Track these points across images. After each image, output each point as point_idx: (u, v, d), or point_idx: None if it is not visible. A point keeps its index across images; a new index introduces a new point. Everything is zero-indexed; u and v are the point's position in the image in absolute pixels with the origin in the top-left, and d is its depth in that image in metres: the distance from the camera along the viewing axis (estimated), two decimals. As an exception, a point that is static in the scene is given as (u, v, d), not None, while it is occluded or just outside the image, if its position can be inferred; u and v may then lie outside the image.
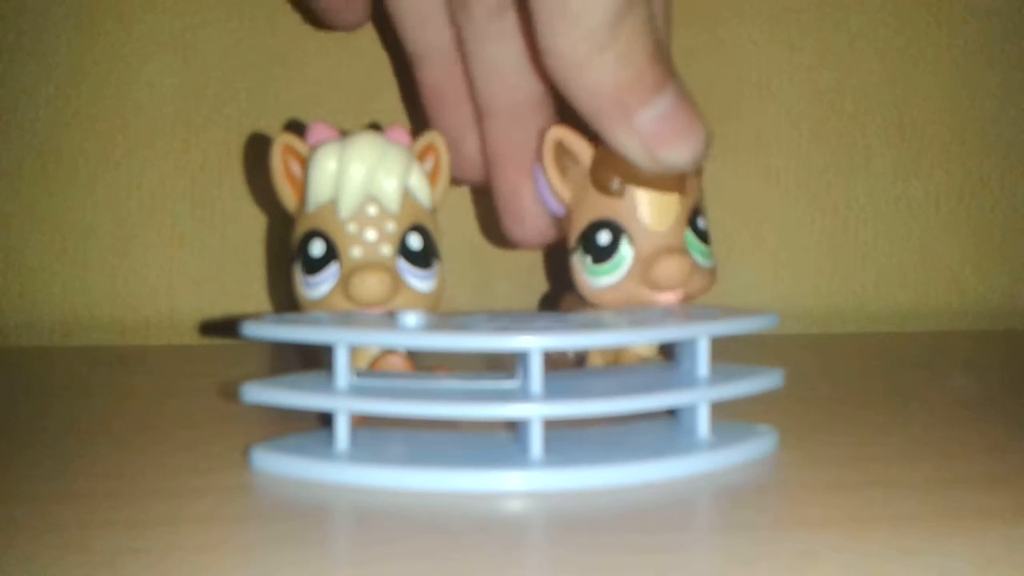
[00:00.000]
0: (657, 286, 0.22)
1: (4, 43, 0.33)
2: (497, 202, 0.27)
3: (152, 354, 0.33)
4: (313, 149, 0.22)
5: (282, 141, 0.23)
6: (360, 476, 0.18)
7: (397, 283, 0.22)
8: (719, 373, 0.20)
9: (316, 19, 0.32)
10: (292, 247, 0.23)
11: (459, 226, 0.37)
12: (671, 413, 0.21)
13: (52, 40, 0.34)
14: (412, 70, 0.29)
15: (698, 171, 0.23)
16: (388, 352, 0.22)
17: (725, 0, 0.37)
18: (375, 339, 0.19)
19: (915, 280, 0.40)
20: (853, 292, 0.39)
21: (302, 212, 0.23)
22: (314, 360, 0.24)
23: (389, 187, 0.22)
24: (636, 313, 0.22)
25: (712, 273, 0.24)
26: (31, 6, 0.34)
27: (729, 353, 0.21)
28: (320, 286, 0.22)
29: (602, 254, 0.23)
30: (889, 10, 0.39)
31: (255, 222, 0.35)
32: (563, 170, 0.24)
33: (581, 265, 0.23)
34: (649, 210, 0.23)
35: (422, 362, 0.23)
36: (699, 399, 0.20)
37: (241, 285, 0.35)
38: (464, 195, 0.36)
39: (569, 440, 0.19)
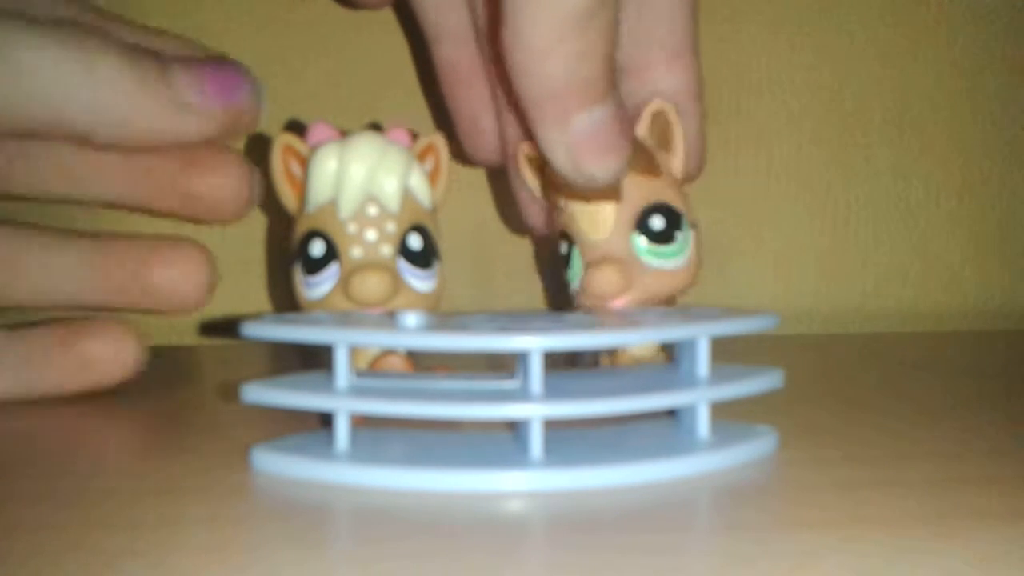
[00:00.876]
0: (590, 296, 0.23)
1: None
2: (513, 191, 0.28)
3: (152, 354, 0.32)
4: (313, 149, 0.22)
5: (282, 141, 0.23)
6: (360, 476, 0.18)
7: (397, 283, 0.22)
8: (719, 373, 0.20)
9: None
10: (292, 247, 0.23)
11: (459, 226, 0.36)
12: (671, 413, 0.21)
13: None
14: (428, 50, 0.29)
15: (654, 171, 0.23)
16: (388, 352, 0.22)
17: (725, 0, 0.37)
18: (375, 339, 0.19)
19: (915, 280, 0.40)
20: (853, 292, 0.39)
21: (302, 212, 0.23)
22: (314, 360, 0.24)
23: (389, 187, 0.22)
24: (635, 313, 0.22)
25: (682, 272, 0.23)
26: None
27: (729, 353, 0.21)
28: (320, 286, 0.22)
29: (565, 263, 0.24)
30: (889, 10, 0.39)
31: (255, 222, 0.35)
32: (537, 180, 0.25)
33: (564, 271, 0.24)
34: (584, 221, 0.23)
35: (422, 362, 0.23)
36: (699, 399, 0.20)
37: (241, 285, 0.35)
38: (464, 195, 0.36)
39: (569, 440, 0.19)
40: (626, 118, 0.22)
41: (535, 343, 0.18)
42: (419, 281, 0.22)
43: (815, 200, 0.39)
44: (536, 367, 0.18)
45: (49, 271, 0.24)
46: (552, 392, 0.18)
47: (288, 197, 0.23)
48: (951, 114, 0.39)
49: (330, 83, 0.35)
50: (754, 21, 0.38)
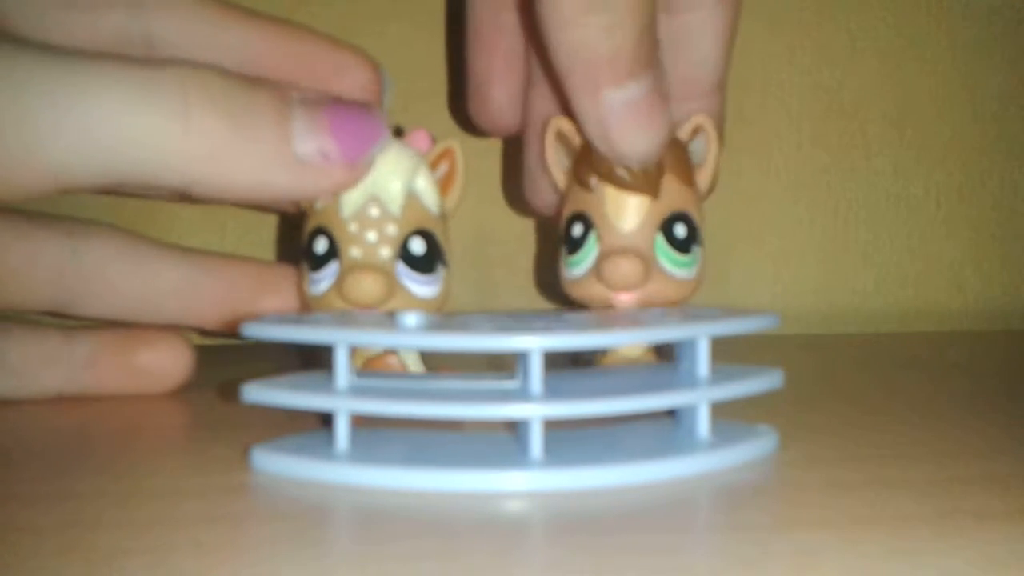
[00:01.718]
0: (607, 284, 0.22)
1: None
2: (524, 166, 0.27)
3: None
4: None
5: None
6: (360, 476, 0.18)
7: (392, 286, 0.22)
8: (719, 373, 0.20)
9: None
10: (302, 243, 0.23)
11: (459, 226, 0.36)
12: (671, 413, 0.21)
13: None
14: (463, 6, 0.28)
15: (689, 180, 0.23)
16: (386, 352, 0.22)
17: (725, 0, 0.37)
18: (375, 339, 0.19)
19: (915, 280, 0.40)
20: (853, 292, 0.39)
21: (311, 209, 0.23)
22: (314, 360, 0.24)
23: (392, 189, 0.22)
24: (634, 313, 0.22)
25: (689, 284, 0.23)
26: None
27: (729, 353, 0.21)
28: (321, 283, 0.22)
29: (574, 245, 0.23)
30: (889, 10, 0.39)
31: (256, 222, 0.35)
32: (561, 157, 0.24)
33: (561, 254, 0.24)
34: (615, 208, 0.23)
35: (429, 363, 0.23)
36: (699, 399, 0.20)
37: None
38: (465, 195, 0.36)
39: (569, 440, 0.19)
40: (665, 100, 0.22)
41: (535, 343, 0.18)
42: (418, 286, 0.22)
43: (815, 200, 0.39)
44: (536, 367, 0.18)
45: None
46: (552, 392, 0.18)
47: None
48: (951, 114, 0.39)
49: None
50: (754, 21, 0.38)
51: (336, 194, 0.22)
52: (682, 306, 0.23)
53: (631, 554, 0.15)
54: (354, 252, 0.22)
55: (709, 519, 0.17)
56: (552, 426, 0.18)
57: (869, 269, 0.39)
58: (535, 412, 0.18)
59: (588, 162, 0.23)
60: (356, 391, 0.19)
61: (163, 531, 0.15)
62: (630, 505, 0.17)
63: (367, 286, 0.21)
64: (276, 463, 0.18)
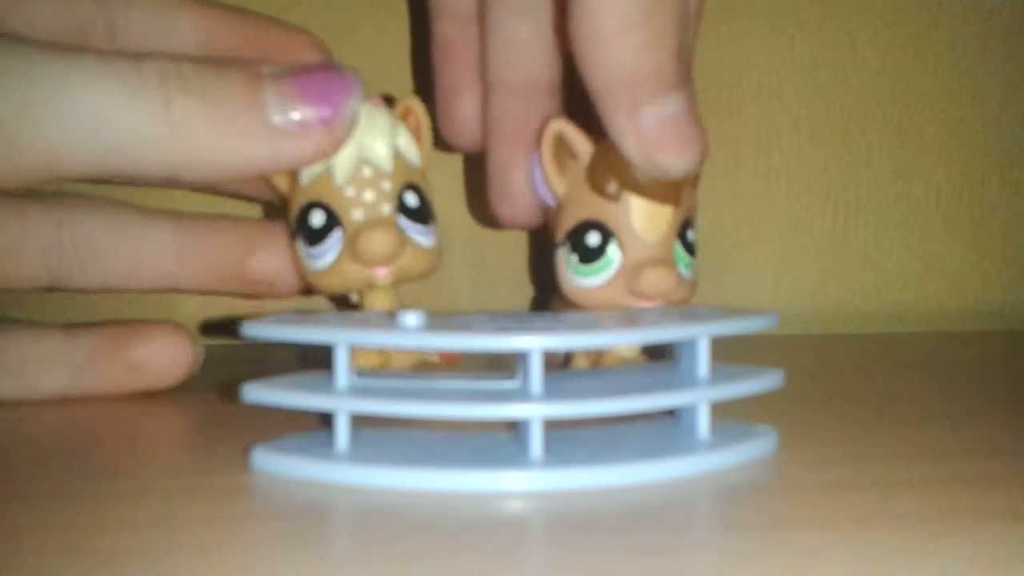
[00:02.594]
0: (642, 295, 0.22)
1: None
2: (488, 176, 0.27)
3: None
4: None
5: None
6: (360, 476, 0.18)
7: (402, 238, 0.22)
8: (719, 373, 0.20)
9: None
10: (291, 225, 0.23)
11: (459, 226, 0.37)
12: (671, 413, 0.21)
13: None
14: (428, 25, 0.28)
15: (694, 183, 0.23)
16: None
17: (725, 0, 0.37)
18: (375, 339, 0.19)
19: (915, 280, 0.40)
20: (853, 292, 0.39)
21: (296, 188, 0.23)
22: (314, 360, 0.24)
23: (380, 147, 0.22)
24: (633, 313, 0.22)
25: (693, 285, 0.24)
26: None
27: (729, 353, 0.21)
28: (325, 255, 0.22)
29: (589, 255, 0.23)
30: (889, 10, 0.39)
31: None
32: (560, 163, 0.24)
33: (566, 262, 0.23)
34: (642, 218, 0.22)
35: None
36: (699, 399, 0.20)
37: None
38: (464, 196, 0.36)
39: (569, 440, 0.19)
40: (697, 112, 0.22)
41: (535, 343, 0.18)
42: (422, 237, 0.23)
43: (815, 200, 0.39)
44: (536, 367, 0.18)
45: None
46: (552, 392, 0.18)
47: (280, 178, 0.24)
48: (951, 114, 0.39)
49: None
50: (754, 21, 0.38)
51: (323, 161, 0.22)
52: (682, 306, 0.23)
53: (631, 554, 0.15)
54: (356, 215, 0.22)
55: (709, 519, 0.17)
56: (552, 426, 0.18)
57: (869, 269, 0.39)
58: (535, 412, 0.18)
59: (610, 170, 0.22)
60: (356, 391, 0.19)
61: (163, 531, 0.15)
62: (630, 505, 0.17)
63: (381, 239, 0.22)
64: (276, 463, 0.18)
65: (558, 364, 0.25)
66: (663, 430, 0.20)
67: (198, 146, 0.20)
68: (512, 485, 0.18)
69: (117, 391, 0.25)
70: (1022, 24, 0.40)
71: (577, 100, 0.23)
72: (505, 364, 0.21)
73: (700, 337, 0.20)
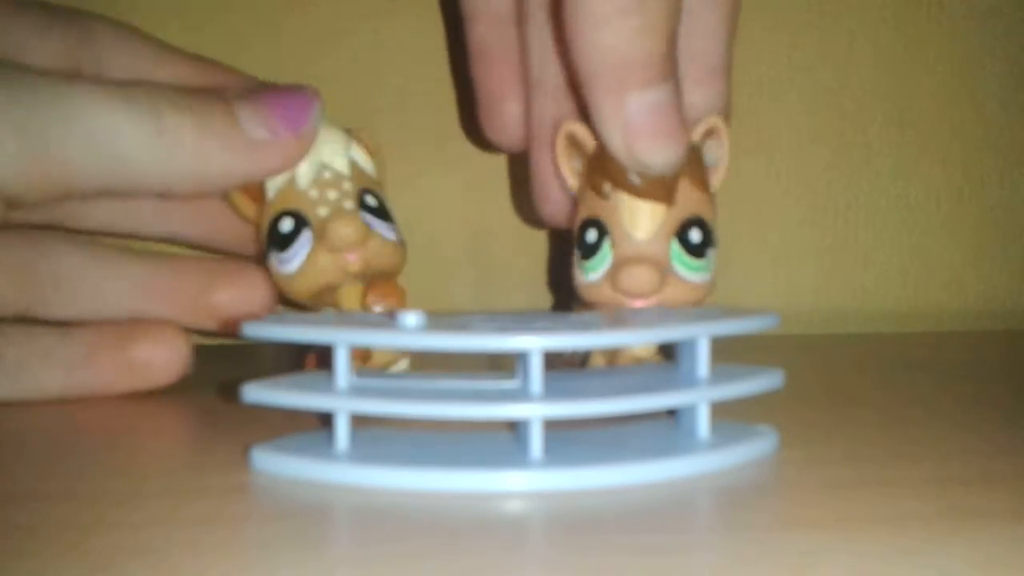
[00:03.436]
0: (622, 291, 0.22)
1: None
2: (531, 177, 0.27)
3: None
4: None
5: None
6: (360, 476, 0.18)
7: (367, 229, 0.23)
8: (719, 373, 0.20)
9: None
10: (263, 244, 0.24)
11: (459, 227, 0.37)
12: (671, 413, 0.21)
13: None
14: (462, 28, 0.29)
15: (703, 184, 0.23)
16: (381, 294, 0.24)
17: (725, 0, 0.37)
18: (375, 339, 0.19)
19: (915, 280, 0.40)
20: (853, 292, 0.39)
21: (264, 207, 0.24)
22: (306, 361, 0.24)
23: (336, 157, 0.24)
24: (634, 313, 0.22)
25: (703, 287, 0.23)
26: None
27: (729, 353, 0.21)
28: (295, 258, 0.23)
29: (588, 251, 0.23)
30: (889, 10, 0.39)
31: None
32: (572, 162, 0.24)
33: (576, 260, 0.24)
34: (631, 216, 0.22)
35: (424, 359, 0.23)
36: (699, 399, 0.20)
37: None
38: (462, 194, 0.36)
39: (569, 440, 0.19)
40: (683, 108, 0.22)
41: (535, 343, 0.18)
42: (386, 231, 0.24)
43: (815, 200, 0.39)
44: (536, 367, 0.18)
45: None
46: (552, 392, 0.18)
47: (247, 208, 0.25)
48: (951, 114, 0.39)
49: (330, 84, 0.35)
50: (754, 21, 0.38)
51: (289, 170, 0.24)
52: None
53: (631, 554, 0.15)
54: (322, 211, 0.23)
55: (709, 519, 0.17)
56: (552, 426, 0.18)
57: (869, 269, 0.39)
58: (535, 412, 0.18)
59: (602, 169, 0.23)
60: (356, 391, 0.19)
61: (163, 531, 0.15)
62: (630, 505, 0.17)
63: (348, 222, 0.23)
64: (276, 463, 0.18)
65: (575, 364, 0.25)
66: (663, 430, 0.20)
67: (189, 159, 0.22)
68: (512, 485, 0.18)
69: (114, 390, 0.25)
70: (1022, 24, 0.40)
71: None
72: (505, 364, 0.21)
73: (700, 337, 0.20)
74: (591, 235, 0.23)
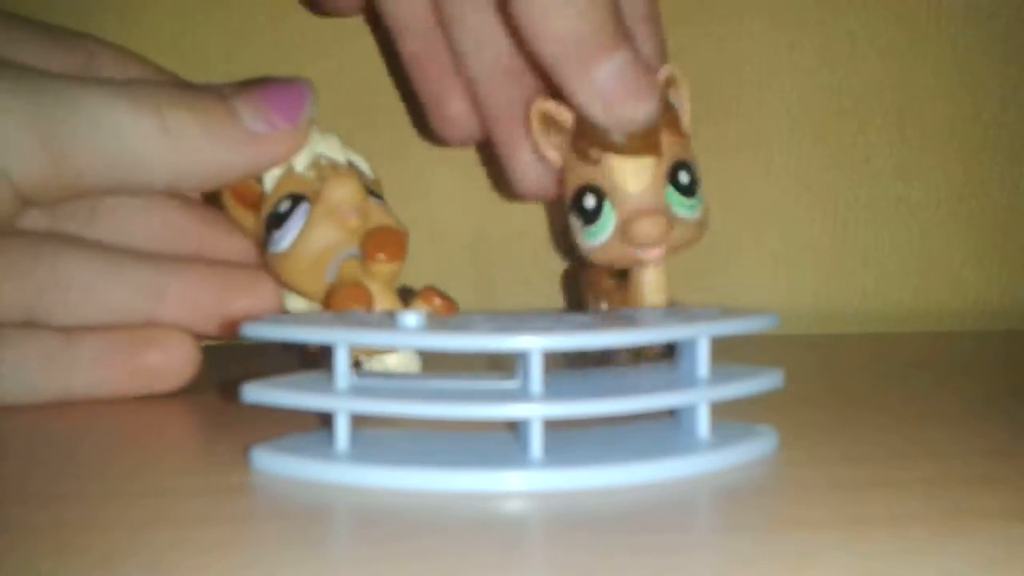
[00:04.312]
0: (636, 244, 0.24)
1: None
2: (499, 158, 0.28)
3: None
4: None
5: (227, 193, 0.25)
6: (360, 476, 0.18)
7: (363, 188, 0.24)
8: (719, 373, 0.20)
9: (312, 3, 0.33)
10: (262, 242, 0.24)
11: (459, 227, 0.37)
12: (671, 413, 0.21)
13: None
14: (393, 44, 0.30)
15: (678, 129, 0.24)
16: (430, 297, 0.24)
17: (725, 0, 0.37)
18: (375, 339, 0.19)
19: (915, 280, 0.40)
20: (853, 292, 0.39)
21: (263, 206, 0.24)
22: (313, 360, 0.24)
23: (332, 147, 0.24)
24: (636, 313, 0.22)
25: (700, 224, 0.25)
26: (30, 4, 0.33)
27: (729, 353, 0.21)
28: (292, 229, 0.23)
29: (589, 216, 0.24)
30: (889, 10, 0.39)
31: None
32: (550, 137, 0.25)
33: (577, 227, 0.25)
34: (624, 174, 0.24)
35: (424, 359, 0.23)
36: (699, 399, 0.20)
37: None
38: (462, 194, 0.36)
39: (569, 440, 0.19)
40: (646, 63, 0.23)
41: (535, 343, 0.18)
42: (377, 202, 0.24)
43: (815, 200, 0.39)
44: (536, 367, 0.18)
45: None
46: (552, 392, 0.18)
47: (247, 220, 0.25)
48: (951, 114, 0.39)
49: (330, 84, 0.35)
50: (754, 21, 0.38)
51: (287, 161, 0.24)
52: (682, 306, 0.23)
53: (631, 554, 0.15)
54: (318, 185, 0.24)
55: (709, 519, 0.17)
56: (552, 426, 0.18)
57: (869, 269, 0.39)
58: (535, 412, 0.18)
59: (588, 136, 0.24)
60: (356, 391, 0.19)
61: (162, 531, 0.15)
62: (630, 505, 0.17)
63: (347, 180, 0.23)
64: (276, 463, 0.18)
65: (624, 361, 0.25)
66: (663, 430, 0.20)
67: (194, 153, 0.23)
68: (512, 485, 0.18)
69: (121, 395, 0.25)
70: (1022, 24, 0.40)
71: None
72: (505, 364, 0.21)
73: (700, 337, 0.20)
74: (589, 201, 0.24)
